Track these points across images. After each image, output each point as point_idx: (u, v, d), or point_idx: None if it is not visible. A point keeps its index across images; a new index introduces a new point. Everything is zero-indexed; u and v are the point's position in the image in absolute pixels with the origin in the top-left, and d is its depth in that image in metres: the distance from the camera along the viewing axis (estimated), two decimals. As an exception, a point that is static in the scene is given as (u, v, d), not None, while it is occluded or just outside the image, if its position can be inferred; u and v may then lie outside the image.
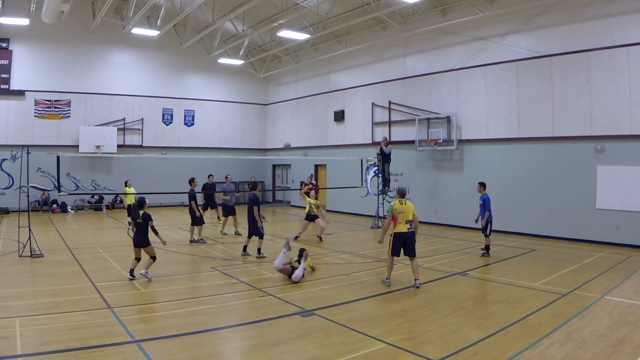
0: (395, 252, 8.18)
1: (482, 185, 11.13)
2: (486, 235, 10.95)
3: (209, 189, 16.49)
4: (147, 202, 8.63)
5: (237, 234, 14.18)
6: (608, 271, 9.30)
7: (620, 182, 12.12)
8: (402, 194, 8.46)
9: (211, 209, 15.63)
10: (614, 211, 12.22)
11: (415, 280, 8.10)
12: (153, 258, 8.40)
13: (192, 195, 12.73)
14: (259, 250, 10.60)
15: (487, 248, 11.00)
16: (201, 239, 12.80)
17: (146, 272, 8.30)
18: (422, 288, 8.04)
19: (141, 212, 8.38)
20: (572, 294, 7.57)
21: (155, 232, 8.37)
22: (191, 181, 12.91)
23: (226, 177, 15.60)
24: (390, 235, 8.26)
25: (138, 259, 8.38)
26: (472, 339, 5.54)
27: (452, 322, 6.20)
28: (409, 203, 8.32)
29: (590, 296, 7.40)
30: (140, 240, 8.34)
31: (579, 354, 5.05)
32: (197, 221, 12.66)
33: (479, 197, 11.13)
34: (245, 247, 10.95)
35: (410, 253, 8.18)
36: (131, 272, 8.32)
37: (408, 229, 8.13)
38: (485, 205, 10.90)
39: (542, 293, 7.62)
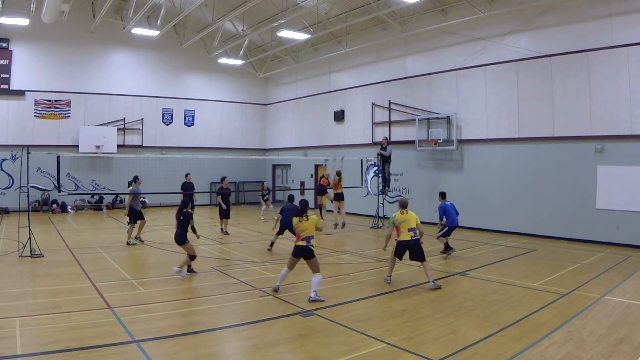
0: (397, 255, 8.29)
1: (441, 195, 11.46)
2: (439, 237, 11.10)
3: (188, 188, 16.82)
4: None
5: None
6: (608, 271, 9.30)
7: (620, 182, 12.12)
8: (403, 205, 8.51)
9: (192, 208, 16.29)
10: (614, 211, 12.23)
11: (430, 282, 8.03)
12: (192, 257, 8.63)
13: (223, 192, 14.06)
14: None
15: (445, 247, 11.18)
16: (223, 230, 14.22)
17: (179, 270, 8.53)
18: (422, 288, 8.05)
19: (183, 211, 8.80)
20: (572, 294, 7.57)
21: (194, 231, 8.89)
22: (223, 179, 14.63)
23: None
24: (395, 240, 8.38)
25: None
26: (472, 339, 5.55)
27: (452, 322, 6.21)
28: (411, 212, 8.33)
29: (590, 296, 7.40)
30: (181, 237, 8.66)
31: (579, 354, 5.05)
32: (224, 215, 14.02)
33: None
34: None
35: (419, 259, 8.16)
36: (189, 267, 8.89)
37: (412, 237, 8.10)
38: (439, 212, 11.10)
39: (542, 293, 7.62)
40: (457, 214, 11.18)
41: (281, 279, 7.68)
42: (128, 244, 12.01)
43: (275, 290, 7.61)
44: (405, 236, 8.12)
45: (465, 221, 15.35)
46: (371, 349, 5.28)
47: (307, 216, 7.57)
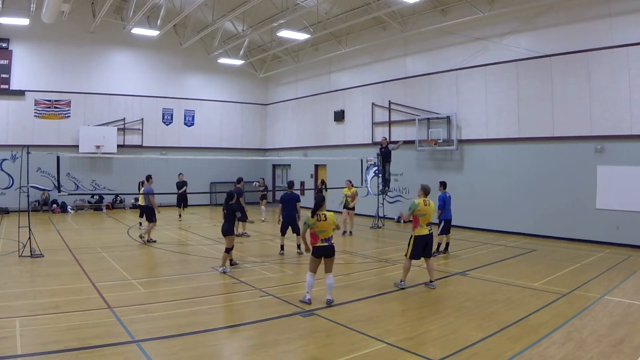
0: (415, 256, 7.89)
1: (442, 184, 11.59)
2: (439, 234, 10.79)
3: (182, 186, 17.09)
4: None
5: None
6: (608, 271, 9.30)
7: (620, 182, 12.12)
8: (426, 191, 8.00)
9: (184, 207, 17.38)
10: (614, 211, 12.23)
11: (431, 281, 7.99)
12: (227, 250, 9.00)
13: (239, 193, 13.34)
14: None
15: (445, 245, 11.23)
16: (244, 233, 13.86)
17: (224, 269, 8.96)
18: (422, 288, 8.05)
19: (229, 204, 9.19)
20: (572, 294, 7.57)
21: (236, 219, 9.45)
22: (239, 181, 13.93)
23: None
24: (410, 238, 8.02)
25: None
26: (472, 339, 5.54)
27: (452, 322, 6.20)
28: (432, 203, 8.06)
29: (590, 296, 7.40)
30: (227, 230, 9.06)
31: (579, 354, 5.05)
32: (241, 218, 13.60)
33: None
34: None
35: (428, 254, 8.02)
36: (231, 261, 9.32)
37: (429, 230, 7.92)
38: (438, 202, 10.94)
39: (542, 293, 7.62)
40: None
41: (310, 287, 6.97)
42: (147, 241, 12.16)
43: (308, 302, 6.85)
44: (424, 230, 7.87)
45: (465, 221, 15.37)
46: (371, 349, 5.27)
47: (325, 215, 6.92)
